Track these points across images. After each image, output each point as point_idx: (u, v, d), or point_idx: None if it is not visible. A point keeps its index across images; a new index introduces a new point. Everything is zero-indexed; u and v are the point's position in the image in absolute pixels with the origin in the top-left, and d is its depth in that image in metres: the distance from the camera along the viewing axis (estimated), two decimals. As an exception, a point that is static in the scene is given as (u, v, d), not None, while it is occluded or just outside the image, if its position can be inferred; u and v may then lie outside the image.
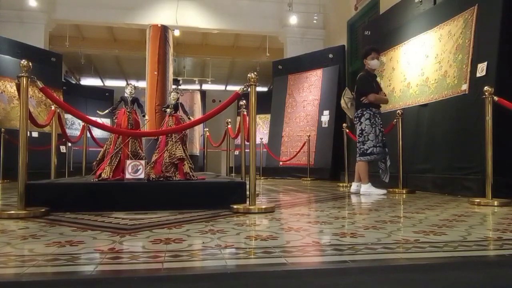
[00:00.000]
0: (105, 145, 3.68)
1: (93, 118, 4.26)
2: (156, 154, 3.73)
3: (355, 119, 4.66)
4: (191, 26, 10.38)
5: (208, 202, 3.05)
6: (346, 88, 5.00)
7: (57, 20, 9.96)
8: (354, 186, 4.73)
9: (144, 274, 1.28)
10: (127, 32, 11.65)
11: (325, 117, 8.69)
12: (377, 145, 4.48)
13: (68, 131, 8.16)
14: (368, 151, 4.48)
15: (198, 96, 11.77)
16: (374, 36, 7.05)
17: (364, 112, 4.53)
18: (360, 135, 4.56)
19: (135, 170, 3.14)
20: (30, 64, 2.76)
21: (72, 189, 3.07)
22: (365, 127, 4.50)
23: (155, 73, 5.52)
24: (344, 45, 9.15)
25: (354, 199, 4.07)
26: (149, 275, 1.27)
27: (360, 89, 4.62)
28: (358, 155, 4.62)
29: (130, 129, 3.64)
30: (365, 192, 4.48)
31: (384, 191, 4.46)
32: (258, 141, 7.52)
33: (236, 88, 3.67)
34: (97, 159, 3.62)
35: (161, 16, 9.74)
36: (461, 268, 1.42)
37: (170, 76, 5.78)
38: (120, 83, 15.38)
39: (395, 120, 5.00)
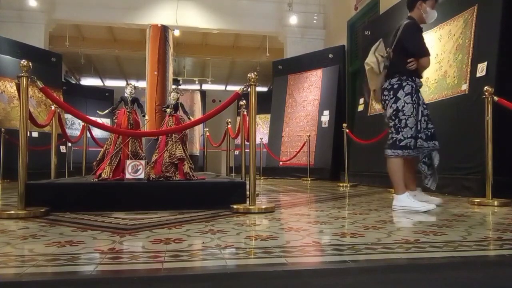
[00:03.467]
0: (105, 145, 3.68)
1: (93, 118, 4.26)
2: (156, 154, 3.73)
3: (387, 93, 3.16)
4: (191, 26, 10.38)
5: (208, 202, 3.05)
6: (381, 40, 3.29)
7: (57, 20, 9.96)
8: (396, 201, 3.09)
9: (144, 274, 1.28)
10: (127, 32, 11.65)
11: (325, 117, 8.69)
12: (418, 135, 3.08)
13: (68, 131, 8.16)
14: (403, 143, 3.04)
15: (198, 96, 11.77)
16: (374, 36, 7.05)
17: (404, 84, 3.09)
18: (394, 117, 3.10)
19: (135, 170, 3.14)
20: (30, 64, 2.76)
21: (72, 189, 3.07)
22: (403, 106, 3.06)
23: (155, 73, 5.52)
24: (344, 45, 9.15)
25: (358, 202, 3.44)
26: (149, 275, 1.27)
27: (409, 45, 3.11)
28: (386, 146, 3.16)
29: (130, 129, 3.64)
30: (401, 207, 2.96)
31: (432, 206, 2.97)
32: (258, 141, 7.52)
33: (236, 88, 3.67)
34: (97, 159, 3.62)
35: (161, 16, 9.74)
36: (461, 268, 1.42)
37: (170, 76, 5.77)
38: (120, 83, 15.38)
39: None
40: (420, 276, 1.34)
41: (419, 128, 3.09)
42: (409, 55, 3.09)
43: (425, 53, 3.12)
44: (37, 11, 9.39)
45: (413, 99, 3.08)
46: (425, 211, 2.87)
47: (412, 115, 3.05)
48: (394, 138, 3.08)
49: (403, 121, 3.05)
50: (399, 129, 3.07)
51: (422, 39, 3.16)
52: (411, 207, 2.91)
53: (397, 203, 3.00)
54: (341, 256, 1.50)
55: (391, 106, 3.11)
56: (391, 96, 3.12)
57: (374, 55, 3.19)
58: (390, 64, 3.14)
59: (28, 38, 8.85)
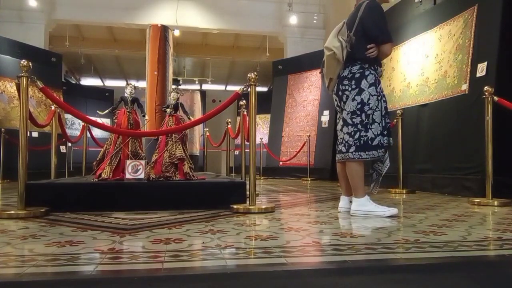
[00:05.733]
0: (105, 145, 3.69)
1: (93, 118, 4.26)
2: (156, 154, 3.73)
3: (347, 82, 2.72)
4: (191, 26, 10.39)
5: (208, 202, 3.05)
6: (345, 22, 2.80)
7: (57, 20, 9.97)
8: (344, 203, 2.87)
9: (144, 274, 1.28)
10: (127, 32, 11.66)
11: (325, 117, 8.68)
12: (384, 131, 2.67)
13: (68, 131, 8.16)
14: (375, 142, 2.63)
15: (198, 96, 11.78)
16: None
17: (367, 72, 2.68)
18: (359, 112, 2.66)
19: (135, 170, 3.14)
20: (30, 64, 2.76)
21: (72, 189, 3.07)
22: (368, 99, 2.64)
23: (155, 73, 5.52)
24: (344, 45, 9.13)
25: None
26: (149, 275, 1.27)
27: (373, 28, 2.69)
28: (348, 148, 2.69)
29: (130, 129, 3.64)
30: (362, 212, 2.63)
31: (395, 210, 2.64)
32: (258, 141, 7.52)
33: (236, 88, 3.67)
34: (97, 159, 3.62)
35: (161, 16, 9.74)
36: (461, 268, 1.42)
37: (170, 76, 5.78)
38: (120, 83, 15.38)
39: (395, 120, 5.00)
40: (420, 276, 1.34)
41: (384, 124, 2.67)
42: (371, 40, 2.68)
43: (389, 38, 2.72)
44: (37, 11, 9.39)
45: (377, 90, 2.67)
46: (389, 216, 2.58)
47: (377, 109, 2.65)
48: (365, 137, 2.63)
49: (370, 116, 2.64)
50: (368, 126, 2.64)
51: (387, 22, 2.74)
52: (374, 211, 2.61)
53: (358, 208, 2.64)
54: (341, 256, 1.50)
55: (353, 99, 2.67)
56: (353, 86, 2.68)
57: (337, 39, 2.70)
58: (350, 49, 2.68)
59: (28, 38, 8.85)
